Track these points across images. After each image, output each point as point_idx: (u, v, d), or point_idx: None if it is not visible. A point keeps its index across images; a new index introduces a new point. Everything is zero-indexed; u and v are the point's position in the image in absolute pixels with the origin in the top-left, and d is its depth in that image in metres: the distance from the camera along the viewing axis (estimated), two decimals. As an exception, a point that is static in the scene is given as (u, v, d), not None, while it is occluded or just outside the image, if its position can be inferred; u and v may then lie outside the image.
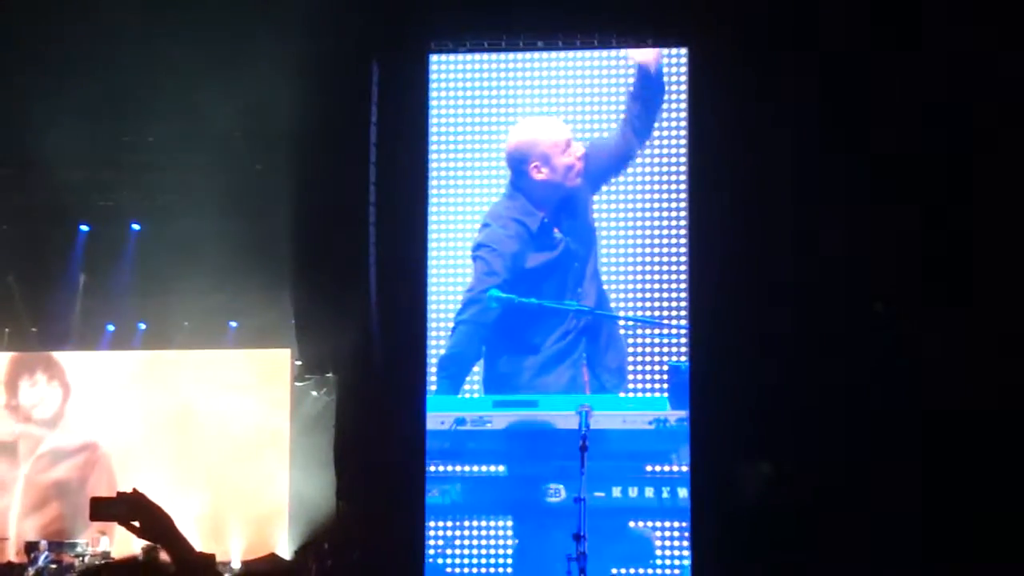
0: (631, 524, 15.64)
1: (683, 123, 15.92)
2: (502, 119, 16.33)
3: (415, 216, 16.10)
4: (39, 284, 19.49)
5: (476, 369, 16.01)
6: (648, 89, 15.84)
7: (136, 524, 4.10)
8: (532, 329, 15.88)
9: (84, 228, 19.26)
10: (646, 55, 15.84)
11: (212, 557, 12.93)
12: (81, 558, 17.82)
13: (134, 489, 4.12)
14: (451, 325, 16.05)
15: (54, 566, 17.76)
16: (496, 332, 15.90)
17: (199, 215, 17.82)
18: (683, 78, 16.04)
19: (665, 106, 16.06)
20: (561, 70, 16.29)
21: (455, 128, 16.42)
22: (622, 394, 15.78)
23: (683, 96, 15.99)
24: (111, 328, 19.84)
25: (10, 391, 19.80)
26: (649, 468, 15.72)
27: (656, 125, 15.98)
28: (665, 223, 16.03)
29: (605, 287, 15.90)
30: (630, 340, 15.88)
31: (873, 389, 14.58)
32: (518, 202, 15.93)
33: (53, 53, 16.51)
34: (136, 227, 19.11)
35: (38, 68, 16.54)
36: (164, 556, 4.13)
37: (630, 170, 15.99)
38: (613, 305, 15.88)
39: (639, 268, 15.91)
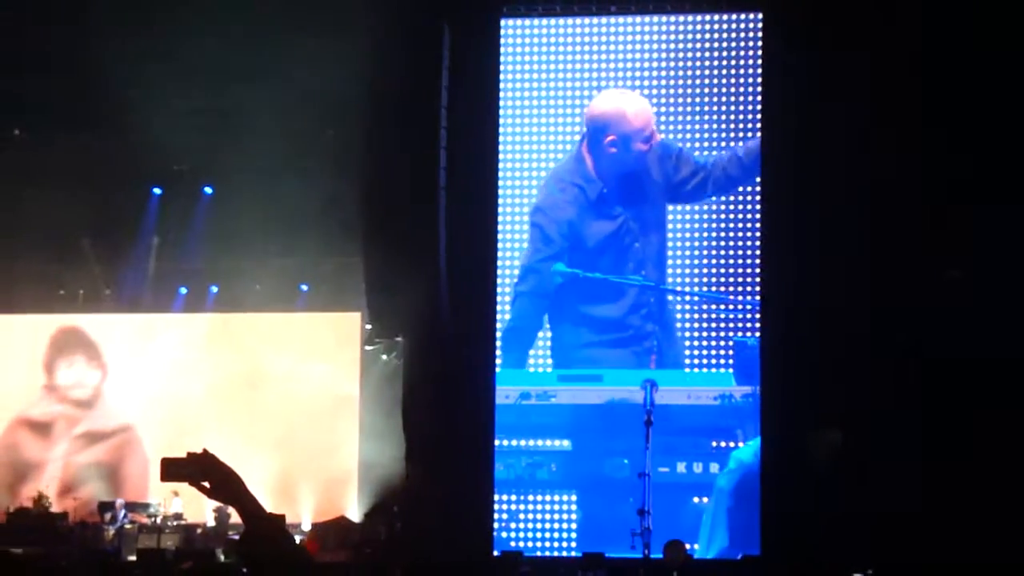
0: (695, 499, 15.58)
1: (758, 88, 15.84)
2: (573, 84, 16.26)
3: (485, 182, 16.08)
4: (113, 247, 19.64)
5: (541, 343, 16.04)
6: (747, 168, 15.76)
7: (206, 484, 4.08)
8: (596, 302, 15.83)
9: (157, 191, 19.38)
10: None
11: (282, 518, 12.95)
12: (153, 519, 17.98)
13: (204, 449, 4.09)
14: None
15: (130, 525, 17.95)
16: (558, 304, 15.87)
17: (271, 180, 17.90)
18: (758, 43, 15.93)
19: (739, 71, 15.97)
20: (633, 35, 16.20)
21: (526, 93, 16.36)
22: (687, 369, 15.73)
23: (758, 62, 15.91)
24: (184, 291, 19.98)
25: (48, 372, 19.95)
26: (714, 443, 15.65)
27: (731, 101, 15.95)
28: (738, 198, 15.96)
29: (671, 271, 15.83)
30: (695, 316, 15.82)
31: (945, 359, 14.44)
32: (582, 167, 15.87)
33: (132, 24, 16.64)
34: (208, 191, 19.21)
35: (116, 37, 16.65)
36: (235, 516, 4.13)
37: (704, 143, 15.93)
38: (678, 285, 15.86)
39: (710, 246, 15.86)
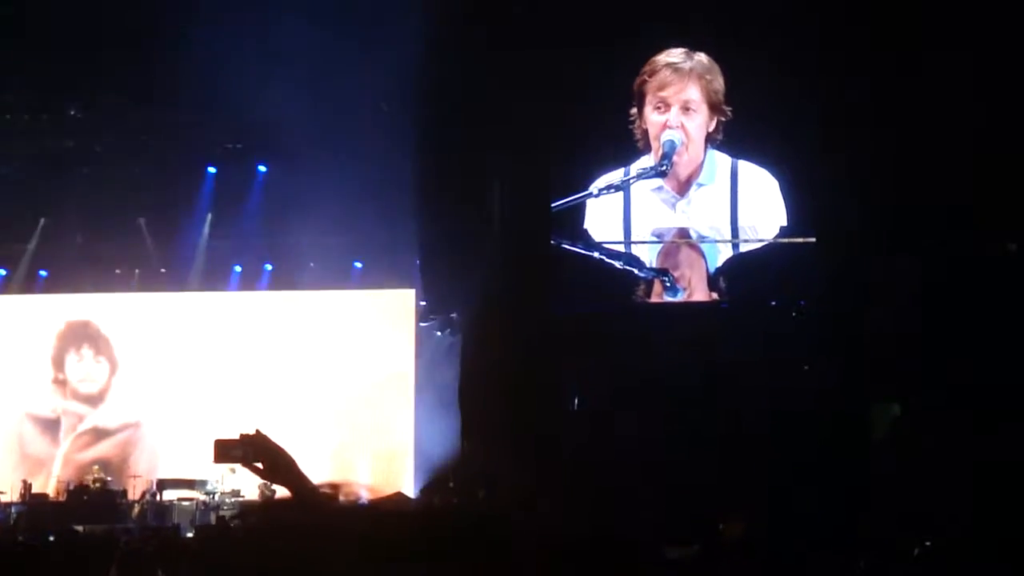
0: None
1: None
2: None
3: (540, 158, 16.00)
4: (168, 226, 19.73)
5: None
6: None
7: (259, 465, 4.08)
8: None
9: (212, 170, 19.42)
10: None
11: (335, 494, 12.90)
12: (211, 495, 18.06)
13: (257, 430, 4.09)
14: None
15: (188, 502, 18.06)
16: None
17: (325, 156, 17.89)
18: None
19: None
20: None
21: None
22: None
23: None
24: (238, 269, 20.05)
25: (57, 366, 19.94)
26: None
27: None
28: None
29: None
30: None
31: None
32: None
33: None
34: (262, 169, 19.24)
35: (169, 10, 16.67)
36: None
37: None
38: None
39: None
